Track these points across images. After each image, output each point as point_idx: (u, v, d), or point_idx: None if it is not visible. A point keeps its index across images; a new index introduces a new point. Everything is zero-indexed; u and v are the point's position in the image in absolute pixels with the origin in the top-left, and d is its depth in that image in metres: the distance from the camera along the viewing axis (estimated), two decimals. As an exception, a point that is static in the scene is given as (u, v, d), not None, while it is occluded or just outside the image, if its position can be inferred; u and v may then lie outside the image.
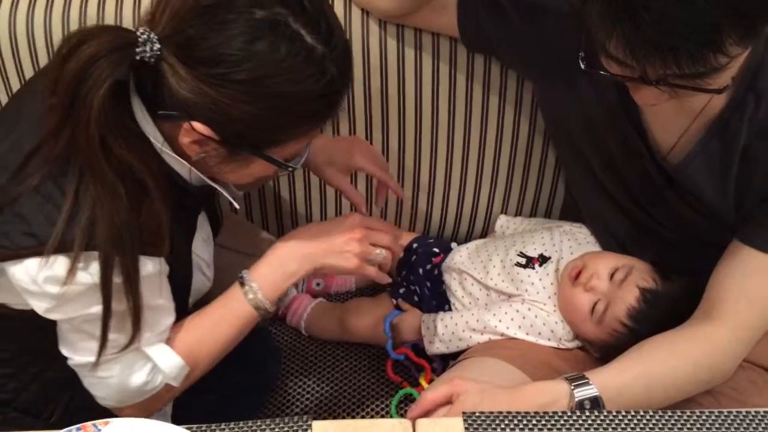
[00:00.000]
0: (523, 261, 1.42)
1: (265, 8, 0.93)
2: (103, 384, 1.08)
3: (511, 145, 1.53)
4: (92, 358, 1.03)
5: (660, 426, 0.99)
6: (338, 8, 1.42)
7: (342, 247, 1.14)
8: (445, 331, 1.41)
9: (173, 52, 0.94)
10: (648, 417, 1.00)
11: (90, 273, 0.96)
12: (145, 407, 1.11)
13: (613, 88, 1.21)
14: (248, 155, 1.01)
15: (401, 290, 1.53)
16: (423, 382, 1.44)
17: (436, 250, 1.57)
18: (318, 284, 1.62)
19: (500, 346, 1.34)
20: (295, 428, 0.97)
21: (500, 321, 1.37)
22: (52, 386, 1.14)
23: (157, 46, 0.93)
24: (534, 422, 0.99)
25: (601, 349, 1.33)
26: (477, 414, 1.00)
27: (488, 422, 0.99)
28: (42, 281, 0.96)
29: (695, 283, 1.23)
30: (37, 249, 0.95)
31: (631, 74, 0.99)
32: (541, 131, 1.52)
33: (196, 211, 1.18)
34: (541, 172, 1.57)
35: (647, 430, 0.98)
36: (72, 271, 0.95)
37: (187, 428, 0.96)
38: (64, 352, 1.06)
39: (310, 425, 0.98)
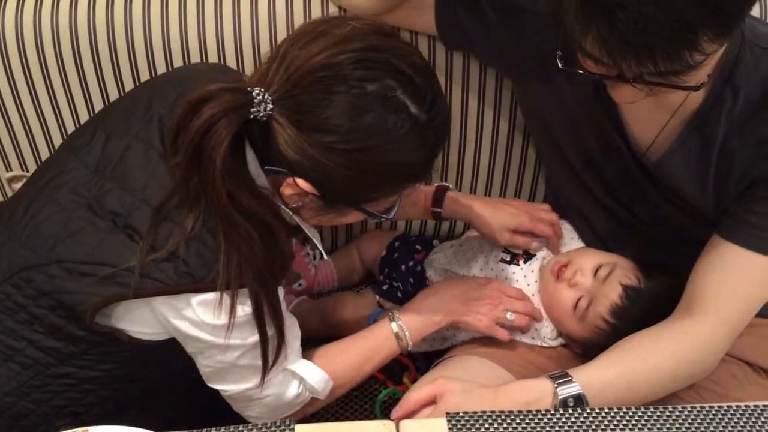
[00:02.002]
0: (507, 257, 1.42)
1: (376, 82, 0.97)
2: (258, 404, 1.17)
3: (491, 143, 1.53)
4: (249, 385, 1.12)
5: (643, 422, 0.99)
6: (316, 7, 1.41)
7: (478, 310, 1.30)
8: (429, 329, 1.40)
9: (284, 113, 0.98)
10: (631, 413, 1.00)
11: (244, 307, 1.04)
12: (294, 417, 1.20)
13: (591, 85, 1.21)
14: (345, 207, 1.08)
15: (384, 287, 1.52)
16: (406, 381, 1.44)
17: (418, 247, 1.57)
18: (300, 285, 1.61)
19: (484, 344, 1.35)
20: (278, 432, 0.97)
21: (483, 318, 1.36)
22: (122, 405, 1.17)
23: (270, 106, 0.98)
24: (518, 421, 0.99)
25: (584, 347, 1.34)
26: (461, 414, 1.00)
27: (472, 422, 0.99)
28: (206, 317, 1.03)
29: (677, 281, 1.23)
30: (193, 286, 1.01)
31: (608, 72, 0.99)
32: (521, 130, 1.52)
33: None
34: (521, 169, 1.57)
35: (630, 426, 0.99)
36: (233, 306, 1.02)
37: (170, 435, 0.96)
38: (221, 387, 1.14)
39: (293, 429, 0.97)
